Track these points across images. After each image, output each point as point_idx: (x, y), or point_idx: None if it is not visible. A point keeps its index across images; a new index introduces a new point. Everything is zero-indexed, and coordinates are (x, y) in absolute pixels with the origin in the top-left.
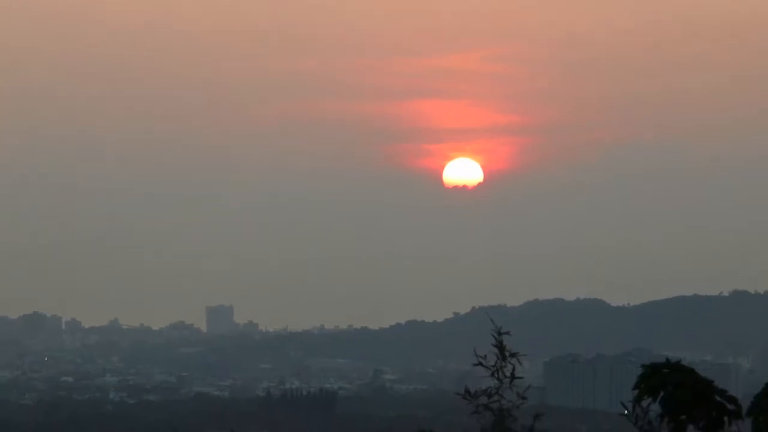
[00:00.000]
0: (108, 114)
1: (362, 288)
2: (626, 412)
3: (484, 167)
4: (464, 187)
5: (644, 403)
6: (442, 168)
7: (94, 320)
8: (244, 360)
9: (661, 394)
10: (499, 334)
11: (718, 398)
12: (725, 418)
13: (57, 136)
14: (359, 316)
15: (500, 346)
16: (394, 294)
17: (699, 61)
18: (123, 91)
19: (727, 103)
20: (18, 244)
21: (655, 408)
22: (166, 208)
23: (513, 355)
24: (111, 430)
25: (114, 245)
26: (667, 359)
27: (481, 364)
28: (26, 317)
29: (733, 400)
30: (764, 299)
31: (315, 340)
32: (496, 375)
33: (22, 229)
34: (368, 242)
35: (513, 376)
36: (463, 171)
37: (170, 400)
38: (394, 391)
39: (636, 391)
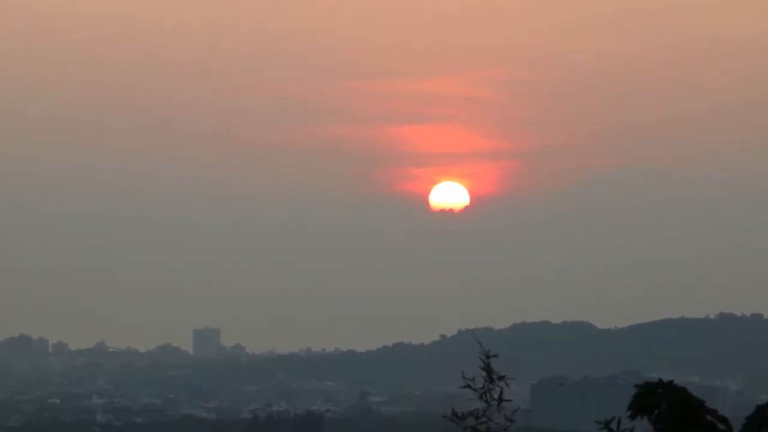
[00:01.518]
0: (93, 139)
1: (349, 310)
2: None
3: (470, 191)
4: (451, 210)
5: (630, 425)
6: (429, 192)
7: (81, 343)
8: (231, 382)
9: (655, 412)
10: (488, 357)
11: (710, 418)
12: None
13: (39, 160)
14: (346, 339)
15: (488, 369)
16: (381, 316)
17: (688, 86)
18: (108, 116)
19: (716, 128)
20: (3, 266)
21: (639, 426)
22: (152, 231)
23: (501, 378)
24: None
25: (100, 267)
26: (660, 379)
27: (469, 386)
28: (12, 340)
29: (724, 420)
30: (750, 322)
31: (302, 362)
32: (484, 397)
33: (7, 251)
34: (355, 265)
35: (501, 399)
36: (449, 195)
37: (157, 422)
38: (380, 413)
39: (629, 412)
